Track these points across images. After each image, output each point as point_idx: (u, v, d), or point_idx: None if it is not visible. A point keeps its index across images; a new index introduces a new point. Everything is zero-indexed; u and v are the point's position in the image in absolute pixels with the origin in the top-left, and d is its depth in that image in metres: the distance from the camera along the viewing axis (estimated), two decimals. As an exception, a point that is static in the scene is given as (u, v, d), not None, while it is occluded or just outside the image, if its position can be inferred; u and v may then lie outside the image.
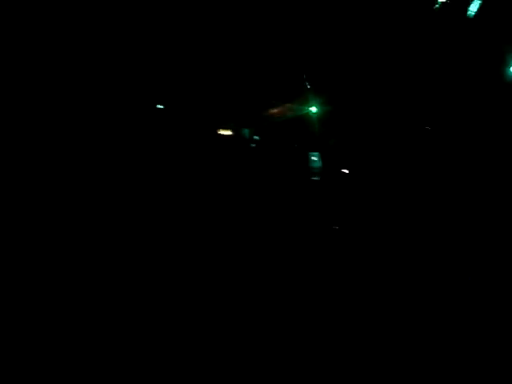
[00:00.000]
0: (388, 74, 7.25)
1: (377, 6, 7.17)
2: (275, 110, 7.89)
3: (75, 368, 4.00)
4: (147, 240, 6.07)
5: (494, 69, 6.79)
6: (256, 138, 7.37)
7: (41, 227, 5.91)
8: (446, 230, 5.89)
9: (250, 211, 7.16)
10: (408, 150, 7.28)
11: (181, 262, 5.75)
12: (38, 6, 6.64)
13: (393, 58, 7.25)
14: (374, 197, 7.26)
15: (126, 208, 6.39)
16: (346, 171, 7.29)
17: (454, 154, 6.98)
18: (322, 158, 7.46)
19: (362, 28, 7.23)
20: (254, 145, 7.64)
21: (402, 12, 7.26)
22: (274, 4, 7.25)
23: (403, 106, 7.24)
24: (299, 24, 7.34)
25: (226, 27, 7.24)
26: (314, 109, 7.74)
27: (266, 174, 7.52)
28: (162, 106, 7.33)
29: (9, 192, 6.08)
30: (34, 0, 6.64)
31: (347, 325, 4.50)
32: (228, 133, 7.55)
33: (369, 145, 7.38)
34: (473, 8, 6.81)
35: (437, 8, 7.08)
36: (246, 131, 7.82)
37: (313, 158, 7.54)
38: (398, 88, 7.28)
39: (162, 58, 7.15)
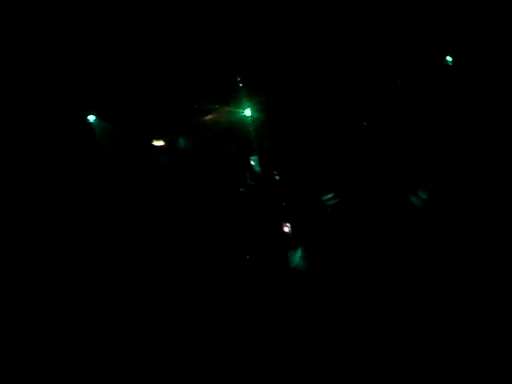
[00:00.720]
0: (323, 75, 7.19)
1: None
2: (209, 116, 7.69)
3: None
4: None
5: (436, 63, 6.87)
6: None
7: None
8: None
9: (187, 221, 7.02)
10: (345, 148, 7.27)
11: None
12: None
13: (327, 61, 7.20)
14: (317, 195, 7.25)
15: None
16: (277, 177, 7.23)
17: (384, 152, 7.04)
18: (259, 161, 7.37)
19: (294, 30, 7.13)
20: (188, 153, 7.44)
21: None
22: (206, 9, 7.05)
23: (336, 107, 7.21)
24: (230, 26, 7.16)
25: (156, 34, 6.99)
26: (248, 112, 7.60)
27: (204, 182, 7.35)
28: (93, 118, 7.03)
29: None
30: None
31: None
32: (161, 143, 7.31)
33: (305, 146, 7.34)
34: None
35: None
36: (181, 140, 7.60)
37: (251, 162, 7.43)
38: (331, 89, 7.24)
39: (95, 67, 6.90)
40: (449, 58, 7.32)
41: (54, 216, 6.28)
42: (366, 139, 7.31)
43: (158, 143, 7.26)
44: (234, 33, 7.28)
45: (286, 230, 7.05)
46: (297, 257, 6.26)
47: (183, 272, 5.78)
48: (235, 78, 7.35)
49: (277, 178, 7.36)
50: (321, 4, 7.27)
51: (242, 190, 7.21)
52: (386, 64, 7.20)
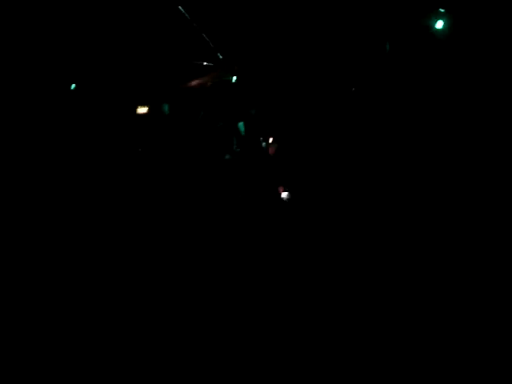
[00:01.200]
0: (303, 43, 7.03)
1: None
2: (195, 81, 7.53)
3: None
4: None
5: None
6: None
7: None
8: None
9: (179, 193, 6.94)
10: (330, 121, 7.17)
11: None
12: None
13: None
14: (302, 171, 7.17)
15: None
16: (263, 144, 7.13)
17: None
18: (245, 127, 7.25)
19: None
20: (173, 119, 7.30)
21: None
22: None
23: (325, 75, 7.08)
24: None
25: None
26: (234, 78, 7.44)
27: (192, 150, 7.24)
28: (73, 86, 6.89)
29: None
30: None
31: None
32: (145, 110, 7.16)
33: (292, 114, 7.22)
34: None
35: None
36: (166, 106, 7.45)
37: (239, 128, 7.31)
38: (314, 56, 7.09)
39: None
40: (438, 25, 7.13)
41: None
42: (353, 105, 7.19)
43: (142, 110, 7.13)
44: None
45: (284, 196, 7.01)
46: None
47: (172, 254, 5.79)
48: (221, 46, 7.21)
49: (263, 144, 7.27)
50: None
51: (227, 157, 7.12)
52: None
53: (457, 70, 6.65)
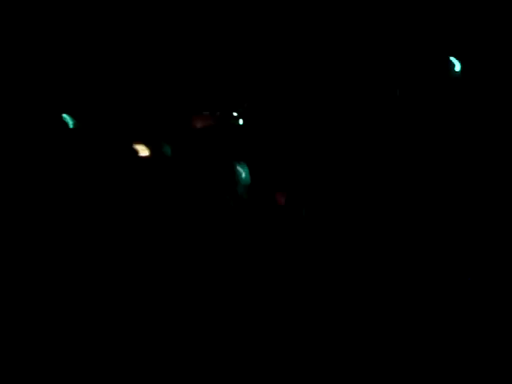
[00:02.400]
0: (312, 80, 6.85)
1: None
2: (198, 122, 7.32)
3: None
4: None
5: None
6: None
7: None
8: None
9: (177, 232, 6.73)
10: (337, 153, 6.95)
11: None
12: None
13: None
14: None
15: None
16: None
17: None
18: (249, 171, 6.97)
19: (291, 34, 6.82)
20: (176, 161, 7.07)
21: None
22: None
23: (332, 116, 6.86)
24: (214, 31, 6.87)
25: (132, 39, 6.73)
26: (240, 120, 7.22)
27: (192, 192, 7.00)
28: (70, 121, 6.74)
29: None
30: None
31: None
32: (145, 151, 6.95)
33: (300, 156, 6.98)
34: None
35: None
36: (168, 148, 7.23)
37: (242, 173, 7.03)
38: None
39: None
40: (456, 67, 6.96)
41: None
42: (364, 147, 6.98)
43: (144, 153, 6.92)
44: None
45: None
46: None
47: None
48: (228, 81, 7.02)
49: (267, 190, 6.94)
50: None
51: (228, 197, 6.82)
52: (384, 71, 6.86)
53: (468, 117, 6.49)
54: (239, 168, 7.07)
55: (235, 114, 7.02)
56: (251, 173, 7.18)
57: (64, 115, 6.65)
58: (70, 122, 6.76)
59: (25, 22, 6.52)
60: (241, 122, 7.05)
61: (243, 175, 7.10)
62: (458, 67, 6.75)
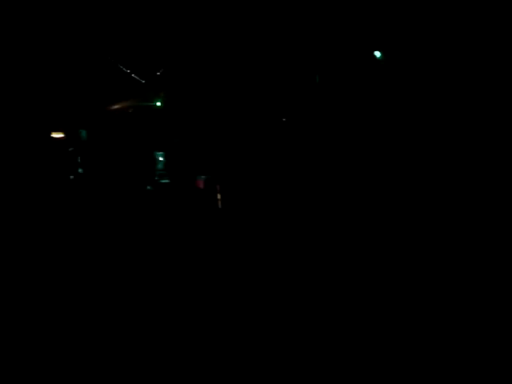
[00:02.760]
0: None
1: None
2: (116, 106, 7.13)
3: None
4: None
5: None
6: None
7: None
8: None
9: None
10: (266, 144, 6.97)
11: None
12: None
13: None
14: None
15: None
16: (193, 174, 6.82)
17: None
18: (166, 157, 6.88)
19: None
20: (90, 146, 6.88)
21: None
22: None
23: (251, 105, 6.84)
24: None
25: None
26: (158, 103, 7.07)
27: (109, 177, 6.86)
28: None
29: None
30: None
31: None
32: (60, 135, 6.73)
33: (219, 142, 6.94)
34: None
35: None
36: (83, 132, 7.02)
37: (159, 158, 6.95)
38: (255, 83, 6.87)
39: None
40: (377, 54, 7.07)
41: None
42: (284, 135, 7.03)
43: (58, 135, 6.71)
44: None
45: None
46: None
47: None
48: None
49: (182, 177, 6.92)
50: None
51: (149, 188, 6.75)
52: (306, 60, 6.89)
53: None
54: (157, 154, 7.00)
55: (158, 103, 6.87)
56: (174, 159, 7.12)
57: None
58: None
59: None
60: (158, 104, 6.94)
61: (160, 159, 7.05)
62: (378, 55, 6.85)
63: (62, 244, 6.76)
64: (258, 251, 6.25)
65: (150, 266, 5.86)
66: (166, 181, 6.70)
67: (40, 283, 5.39)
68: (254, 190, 6.47)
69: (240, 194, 6.33)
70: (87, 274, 5.65)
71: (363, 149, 7.07)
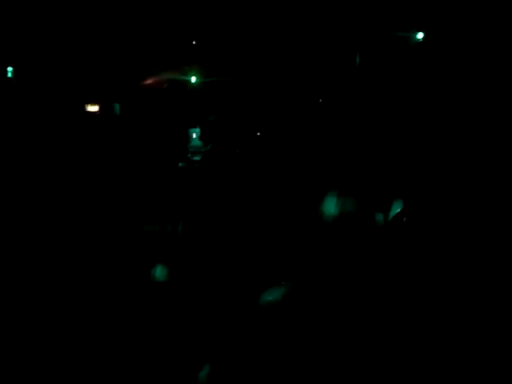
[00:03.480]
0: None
1: None
2: (149, 81, 7.05)
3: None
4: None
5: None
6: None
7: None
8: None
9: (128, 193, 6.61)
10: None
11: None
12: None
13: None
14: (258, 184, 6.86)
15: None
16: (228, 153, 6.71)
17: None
18: (201, 135, 6.79)
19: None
20: (124, 120, 6.83)
21: None
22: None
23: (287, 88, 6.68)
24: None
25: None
26: (193, 79, 6.95)
27: (142, 153, 6.82)
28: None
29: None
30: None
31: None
32: (95, 108, 6.70)
33: (256, 121, 6.82)
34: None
35: None
36: (117, 105, 6.98)
37: (193, 135, 6.86)
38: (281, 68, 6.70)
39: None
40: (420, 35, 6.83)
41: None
42: (321, 116, 6.86)
43: (93, 108, 6.69)
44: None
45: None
46: None
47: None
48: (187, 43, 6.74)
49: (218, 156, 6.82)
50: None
51: (181, 164, 6.68)
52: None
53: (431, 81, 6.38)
54: (191, 130, 6.91)
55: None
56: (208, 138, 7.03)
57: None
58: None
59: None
60: (193, 80, 6.83)
61: (194, 136, 6.95)
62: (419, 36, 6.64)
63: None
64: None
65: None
66: (198, 158, 6.59)
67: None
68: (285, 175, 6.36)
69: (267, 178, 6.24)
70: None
71: (408, 141, 6.85)
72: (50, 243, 6.10)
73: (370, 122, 6.64)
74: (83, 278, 5.48)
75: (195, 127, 6.91)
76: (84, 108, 6.81)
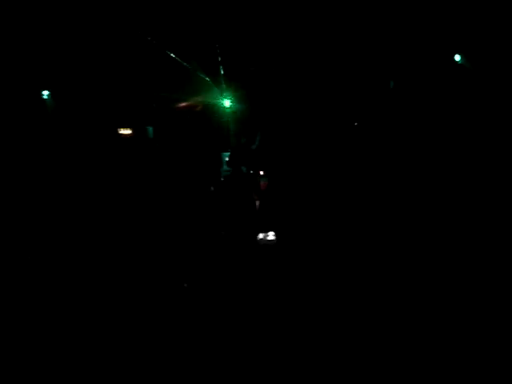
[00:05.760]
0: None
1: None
2: (183, 104, 7.06)
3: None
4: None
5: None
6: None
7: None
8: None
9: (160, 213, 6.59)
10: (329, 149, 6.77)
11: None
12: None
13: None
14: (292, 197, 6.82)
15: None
16: (261, 173, 6.67)
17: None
18: (233, 157, 6.75)
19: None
20: (157, 143, 6.84)
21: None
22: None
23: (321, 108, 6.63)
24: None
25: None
26: (227, 103, 6.95)
27: (174, 176, 6.82)
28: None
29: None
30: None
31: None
32: (128, 131, 6.73)
33: (287, 143, 6.77)
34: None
35: None
36: (150, 129, 7.00)
37: (225, 158, 6.83)
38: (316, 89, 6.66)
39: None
40: (457, 57, 6.73)
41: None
42: (355, 140, 6.81)
43: (125, 131, 6.71)
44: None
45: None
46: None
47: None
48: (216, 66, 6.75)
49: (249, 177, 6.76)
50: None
51: (212, 188, 6.64)
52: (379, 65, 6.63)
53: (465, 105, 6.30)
54: (223, 154, 6.88)
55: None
56: (237, 161, 7.00)
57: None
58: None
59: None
60: (227, 105, 6.82)
61: (226, 159, 6.92)
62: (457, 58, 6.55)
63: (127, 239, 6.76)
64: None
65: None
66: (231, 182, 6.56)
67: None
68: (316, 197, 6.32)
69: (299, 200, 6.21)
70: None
71: (442, 164, 6.77)
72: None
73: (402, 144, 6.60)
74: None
75: (227, 151, 6.89)
76: (117, 131, 6.84)
